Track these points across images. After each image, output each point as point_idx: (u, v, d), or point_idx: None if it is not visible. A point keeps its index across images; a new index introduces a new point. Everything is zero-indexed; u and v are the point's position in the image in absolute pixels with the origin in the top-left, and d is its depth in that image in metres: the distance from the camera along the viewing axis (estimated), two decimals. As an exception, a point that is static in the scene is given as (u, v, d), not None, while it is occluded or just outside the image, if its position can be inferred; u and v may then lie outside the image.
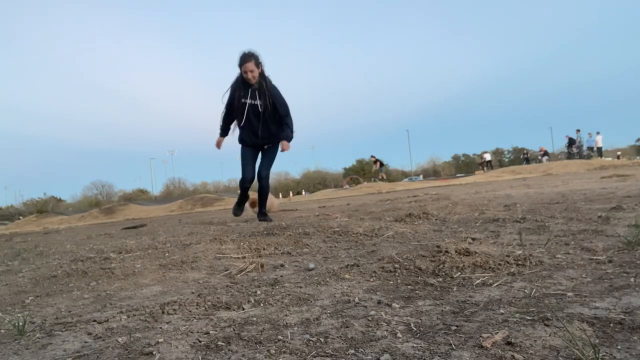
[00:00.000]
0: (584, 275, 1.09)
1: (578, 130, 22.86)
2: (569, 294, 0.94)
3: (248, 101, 3.65)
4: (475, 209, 2.84)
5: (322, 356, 0.73)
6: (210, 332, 0.89)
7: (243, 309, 1.05)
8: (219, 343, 0.82)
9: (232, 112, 3.78)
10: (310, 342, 0.80)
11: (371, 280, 1.25)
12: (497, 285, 1.07)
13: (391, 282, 1.21)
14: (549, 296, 0.94)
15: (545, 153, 24.55)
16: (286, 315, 0.97)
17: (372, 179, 21.12)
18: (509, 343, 0.71)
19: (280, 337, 0.83)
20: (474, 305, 0.93)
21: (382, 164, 20.86)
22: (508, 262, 1.25)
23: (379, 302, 1.02)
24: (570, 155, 21.43)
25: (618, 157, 26.66)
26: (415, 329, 0.82)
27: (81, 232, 5.83)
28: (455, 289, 1.09)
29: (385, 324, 0.86)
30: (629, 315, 0.77)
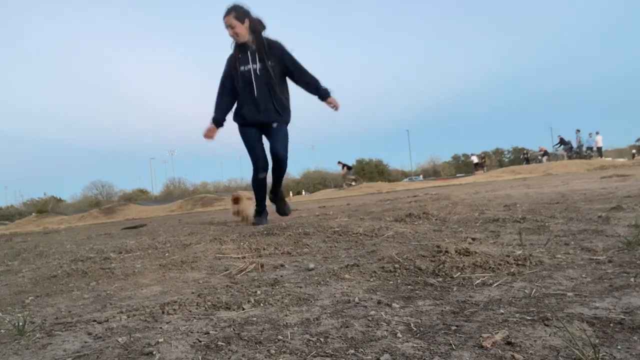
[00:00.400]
0: (584, 275, 1.09)
1: (578, 131, 22.92)
2: (569, 294, 0.94)
3: (246, 67, 2.99)
4: (475, 209, 2.84)
5: (322, 356, 0.73)
6: (210, 332, 0.89)
7: (243, 309, 1.05)
8: (219, 343, 0.82)
9: (227, 93, 3.10)
10: (310, 342, 0.80)
11: (371, 280, 1.25)
12: (497, 285, 1.07)
13: (391, 282, 1.21)
14: (549, 296, 0.94)
15: (545, 153, 24.60)
16: (286, 315, 0.97)
17: (343, 185, 21.49)
18: (509, 343, 0.71)
19: (280, 337, 0.83)
20: (474, 305, 0.93)
21: (349, 168, 21.40)
22: (508, 262, 1.25)
23: (379, 302, 1.02)
24: (569, 155, 21.51)
25: (633, 156, 26.73)
26: (415, 329, 0.82)
27: (81, 232, 5.83)
28: (455, 289, 1.09)
29: (385, 324, 0.86)
30: (629, 315, 0.77)
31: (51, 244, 3.44)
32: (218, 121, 3.16)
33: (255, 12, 3.03)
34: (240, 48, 3.03)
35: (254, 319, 0.96)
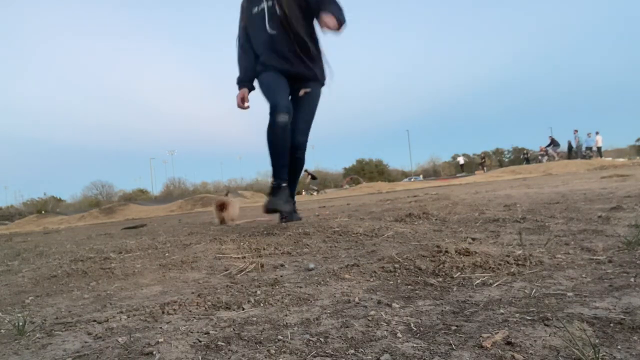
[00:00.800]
0: (584, 275, 1.09)
1: (576, 131, 22.98)
2: (569, 294, 0.94)
3: (260, 6, 2.42)
4: (475, 209, 2.84)
5: (322, 356, 0.73)
6: (210, 332, 0.89)
7: (243, 309, 1.05)
8: (219, 343, 0.82)
9: (247, 49, 2.53)
10: (310, 342, 0.80)
11: (371, 280, 1.25)
12: (497, 285, 1.07)
13: (391, 282, 1.21)
14: (549, 296, 0.94)
15: (546, 153, 24.66)
16: (286, 315, 0.97)
17: (305, 191, 21.98)
18: (509, 343, 0.71)
19: (280, 337, 0.83)
20: (474, 305, 0.93)
21: (314, 177, 22.14)
22: (508, 262, 1.25)
23: (379, 302, 1.02)
24: (568, 155, 21.61)
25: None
26: (415, 329, 0.82)
27: (81, 232, 5.83)
28: (455, 289, 1.09)
29: (385, 324, 0.86)
30: (629, 315, 0.77)
31: (51, 244, 3.44)
32: (245, 81, 2.54)
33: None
34: None
35: (254, 319, 0.96)
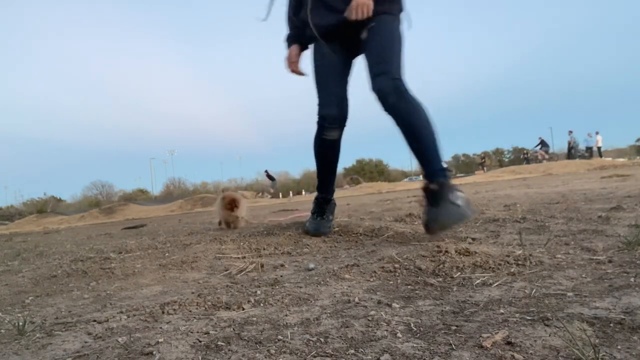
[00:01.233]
0: (584, 275, 1.09)
1: (570, 132, 23.05)
2: (569, 294, 0.94)
3: None
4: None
5: (322, 356, 0.73)
6: (210, 332, 0.89)
7: (243, 309, 1.05)
8: (219, 343, 0.82)
9: (296, 1, 2.01)
10: (310, 342, 0.80)
11: (371, 280, 1.25)
12: (497, 285, 1.07)
13: (391, 282, 1.20)
14: (549, 296, 0.94)
15: (546, 153, 24.71)
16: (286, 315, 0.97)
17: (261, 193, 22.11)
18: (509, 343, 0.71)
19: (280, 337, 0.83)
20: (474, 305, 0.93)
21: (271, 178, 22.09)
22: (508, 262, 1.25)
23: (379, 302, 1.02)
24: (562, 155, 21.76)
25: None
26: (415, 329, 0.82)
27: (81, 232, 5.83)
28: (455, 289, 1.09)
29: (385, 324, 0.86)
30: (629, 315, 0.77)
31: (51, 244, 3.44)
32: (295, 37, 2.03)
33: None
34: None
35: (254, 319, 0.96)
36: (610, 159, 22.74)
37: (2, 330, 1.02)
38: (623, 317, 0.77)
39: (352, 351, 0.74)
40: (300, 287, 1.22)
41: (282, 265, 1.56)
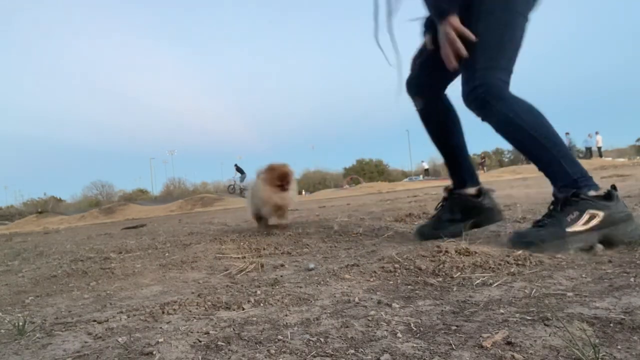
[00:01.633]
0: (584, 275, 1.09)
1: (567, 133, 23.07)
2: (569, 294, 0.94)
3: None
4: (475, 209, 2.83)
5: (322, 356, 0.73)
6: (210, 332, 0.89)
7: (243, 309, 1.05)
8: (219, 343, 0.82)
9: None
10: (310, 342, 0.80)
11: (371, 280, 1.25)
12: (497, 285, 1.07)
13: (391, 282, 1.21)
14: (549, 296, 0.94)
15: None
16: (286, 315, 0.97)
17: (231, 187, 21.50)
18: (509, 343, 0.71)
19: (280, 337, 0.83)
20: (474, 305, 0.93)
21: (241, 171, 21.30)
22: (508, 262, 1.25)
23: (379, 302, 1.01)
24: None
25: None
26: (415, 328, 0.82)
27: (81, 232, 5.83)
28: (455, 289, 1.09)
29: (385, 324, 0.86)
30: (629, 315, 0.77)
31: (51, 244, 3.44)
32: (447, 9, 1.54)
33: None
34: None
35: (254, 319, 0.96)
36: (610, 159, 22.76)
37: (2, 330, 1.02)
38: (623, 317, 0.77)
39: (352, 351, 0.74)
40: (300, 287, 1.22)
41: (282, 265, 1.57)
